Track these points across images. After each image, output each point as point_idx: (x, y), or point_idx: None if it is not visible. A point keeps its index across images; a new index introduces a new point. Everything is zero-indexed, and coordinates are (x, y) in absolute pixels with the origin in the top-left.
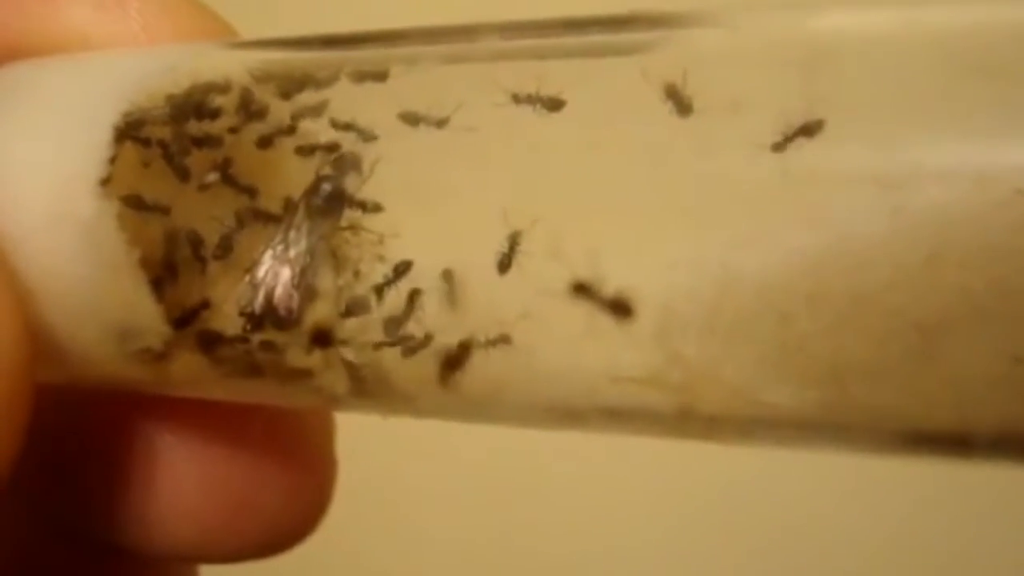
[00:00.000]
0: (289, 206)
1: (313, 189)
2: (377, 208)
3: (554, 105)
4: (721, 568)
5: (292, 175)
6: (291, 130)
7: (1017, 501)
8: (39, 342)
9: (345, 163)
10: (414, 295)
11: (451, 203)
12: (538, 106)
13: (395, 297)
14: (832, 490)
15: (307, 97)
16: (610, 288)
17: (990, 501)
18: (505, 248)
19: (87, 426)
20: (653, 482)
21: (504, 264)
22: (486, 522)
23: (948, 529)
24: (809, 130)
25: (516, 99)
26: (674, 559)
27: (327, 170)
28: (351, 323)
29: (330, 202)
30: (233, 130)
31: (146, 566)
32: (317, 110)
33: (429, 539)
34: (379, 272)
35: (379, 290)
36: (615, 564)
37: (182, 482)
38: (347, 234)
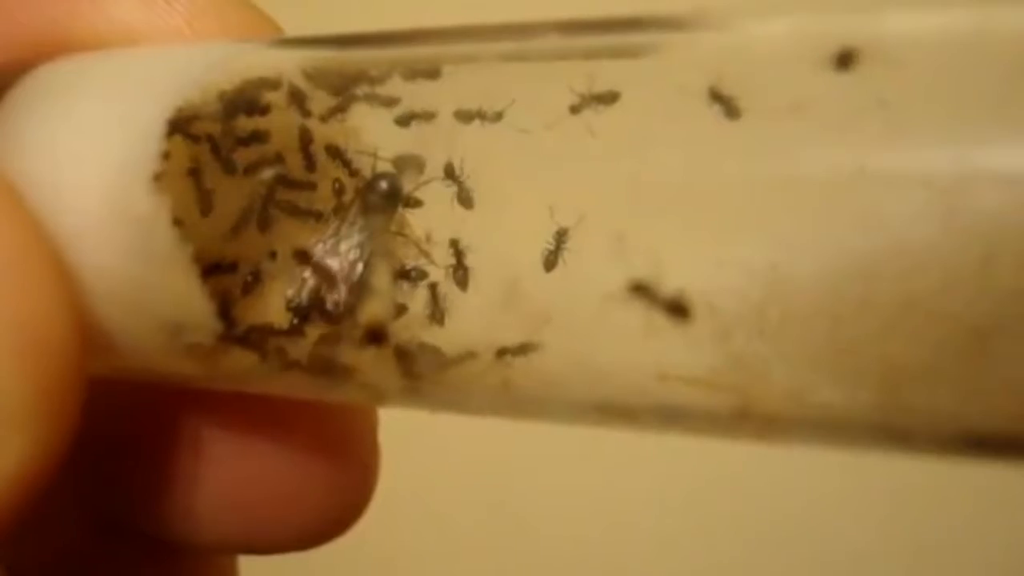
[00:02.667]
0: (342, 201)
1: (370, 186)
2: (418, 203)
3: (609, 99)
4: (722, 560)
5: (340, 170)
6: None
7: (1011, 494)
8: (91, 336)
9: (406, 162)
10: (437, 292)
11: (503, 201)
12: (592, 103)
13: (436, 294)
14: (828, 483)
15: (359, 93)
16: (668, 289)
17: (985, 494)
18: (552, 246)
19: (135, 420)
20: (656, 473)
21: (550, 262)
22: (489, 509)
23: (942, 523)
24: (862, 132)
25: (571, 103)
26: (674, 552)
27: (386, 167)
28: (403, 320)
29: (386, 199)
30: (282, 125)
31: (188, 559)
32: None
33: (433, 527)
34: (424, 268)
35: (429, 287)
36: (618, 554)
37: (228, 475)
38: (393, 234)
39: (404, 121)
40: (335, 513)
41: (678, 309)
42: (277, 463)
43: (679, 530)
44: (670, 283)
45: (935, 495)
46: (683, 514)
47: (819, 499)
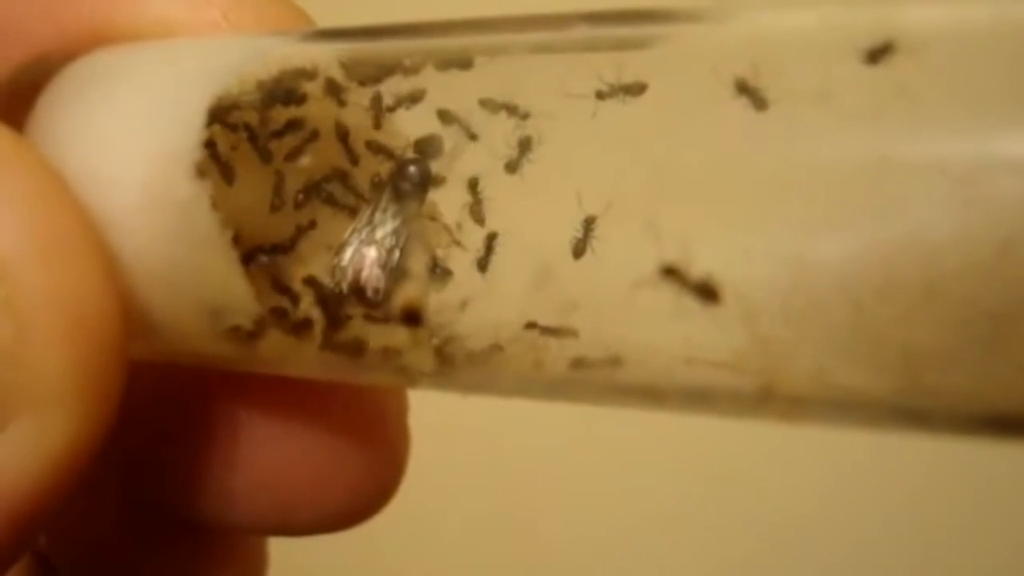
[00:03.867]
0: (375, 188)
1: (399, 172)
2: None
3: (637, 89)
4: (724, 561)
5: (375, 159)
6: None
7: (1009, 490)
8: (132, 318)
9: (429, 147)
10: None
11: (533, 190)
12: (620, 93)
13: (466, 279)
14: (834, 484)
15: (394, 84)
16: (697, 272)
17: (991, 492)
18: (580, 233)
19: (173, 402)
20: (655, 469)
21: (579, 249)
22: (490, 505)
23: (940, 520)
24: (884, 123)
25: (599, 93)
26: (673, 548)
27: (412, 154)
28: (437, 303)
29: (416, 185)
30: (319, 115)
31: (221, 541)
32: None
33: (432, 528)
34: (457, 256)
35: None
36: (618, 550)
37: (263, 457)
38: (425, 220)
39: (443, 117)
40: (366, 495)
41: (707, 292)
42: (311, 445)
43: (682, 530)
44: (699, 267)
45: (940, 497)
46: (685, 515)
47: (824, 500)
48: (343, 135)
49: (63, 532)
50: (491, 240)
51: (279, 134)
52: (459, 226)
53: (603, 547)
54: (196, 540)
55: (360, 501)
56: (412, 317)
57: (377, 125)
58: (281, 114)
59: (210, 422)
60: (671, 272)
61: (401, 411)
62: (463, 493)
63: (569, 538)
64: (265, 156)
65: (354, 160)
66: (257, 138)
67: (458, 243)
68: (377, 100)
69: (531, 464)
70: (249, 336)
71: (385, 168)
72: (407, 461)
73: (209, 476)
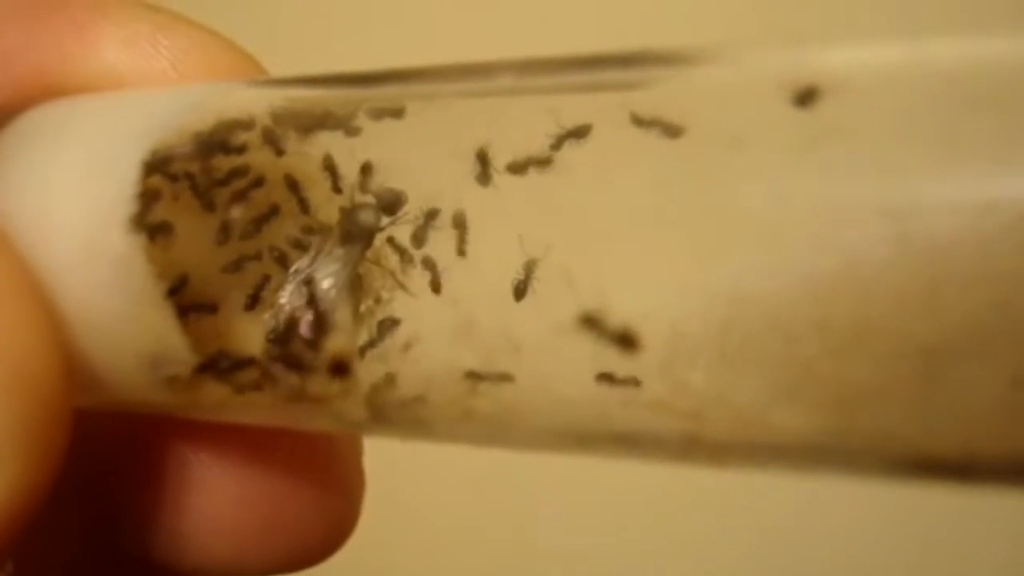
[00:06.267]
0: (320, 232)
1: (347, 218)
2: (406, 255)
3: (580, 133)
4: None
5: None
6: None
7: (1001, 505)
8: (76, 370)
9: (384, 196)
10: (385, 323)
11: (471, 232)
12: (565, 138)
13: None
14: (825, 491)
15: (329, 130)
16: (615, 320)
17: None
18: (521, 276)
19: (124, 447)
20: (650, 479)
21: (520, 291)
22: (486, 514)
23: (933, 532)
24: (818, 162)
25: (538, 138)
26: (669, 555)
27: (365, 199)
28: (369, 352)
29: (363, 231)
30: (259, 164)
31: None
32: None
33: (424, 537)
34: (396, 303)
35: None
36: (614, 552)
37: (216, 499)
38: (369, 264)
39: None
40: (322, 535)
41: (625, 341)
42: (263, 487)
43: (677, 532)
44: (619, 312)
45: (935, 501)
46: (678, 521)
47: (816, 508)
48: (292, 183)
49: (29, 567)
50: (437, 282)
51: (222, 183)
52: (403, 270)
53: (598, 548)
54: None
55: (315, 542)
56: (340, 368)
57: (298, 157)
58: (223, 163)
59: (161, 466)
60: (589, 321)
61: (356, 452)
62: (453, 499)
63: (563, 540)
64: (208, 205)
65: (304, 207)
66: (198, 187)
67: (403, 287)
68: (329, 159)
69: (525, 467)
70: (187, 385)
71: (326, 209)
72: (361, 502)
73: (160, 520)
